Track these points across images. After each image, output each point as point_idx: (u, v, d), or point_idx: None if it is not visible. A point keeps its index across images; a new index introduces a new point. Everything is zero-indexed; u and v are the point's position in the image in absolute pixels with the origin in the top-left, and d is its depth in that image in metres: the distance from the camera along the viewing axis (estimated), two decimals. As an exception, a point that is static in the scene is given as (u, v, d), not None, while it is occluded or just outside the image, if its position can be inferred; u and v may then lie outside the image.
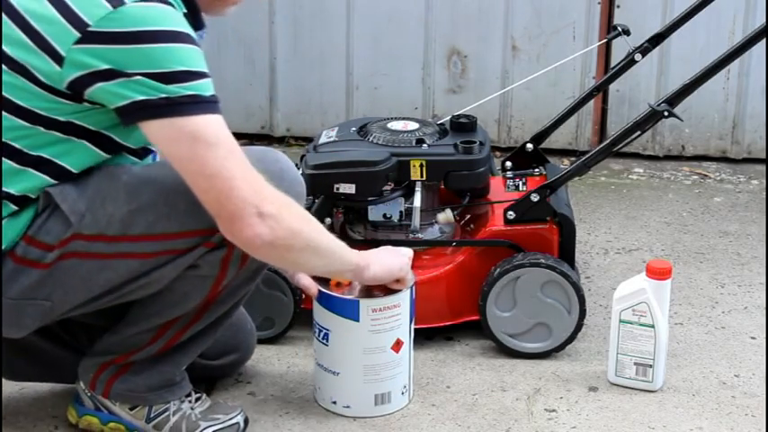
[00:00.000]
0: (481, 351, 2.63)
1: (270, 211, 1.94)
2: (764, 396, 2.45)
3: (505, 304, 2.57)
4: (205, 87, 1.91)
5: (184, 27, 1.93)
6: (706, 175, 3.87)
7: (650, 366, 2.44)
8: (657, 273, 2.39)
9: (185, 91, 1.88)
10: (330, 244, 2.10)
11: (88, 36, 1.87)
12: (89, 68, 1.88)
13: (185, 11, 2.01)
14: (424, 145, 2.62)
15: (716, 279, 3.05)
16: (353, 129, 2.71)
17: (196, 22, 2.05)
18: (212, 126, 1.91)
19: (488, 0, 3.89)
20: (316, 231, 2.06)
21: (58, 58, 1.89)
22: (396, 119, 2.74)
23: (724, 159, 3.97)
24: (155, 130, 1.91)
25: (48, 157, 1.98)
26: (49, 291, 2.02)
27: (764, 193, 3.68)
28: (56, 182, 2.00)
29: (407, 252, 2.32)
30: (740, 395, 2.46)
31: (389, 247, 2.32)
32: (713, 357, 2.63)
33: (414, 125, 2.69)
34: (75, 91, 1.91)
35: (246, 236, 1.95)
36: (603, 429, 2.33)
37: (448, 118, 2.76)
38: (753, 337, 2.73)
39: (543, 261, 2.53)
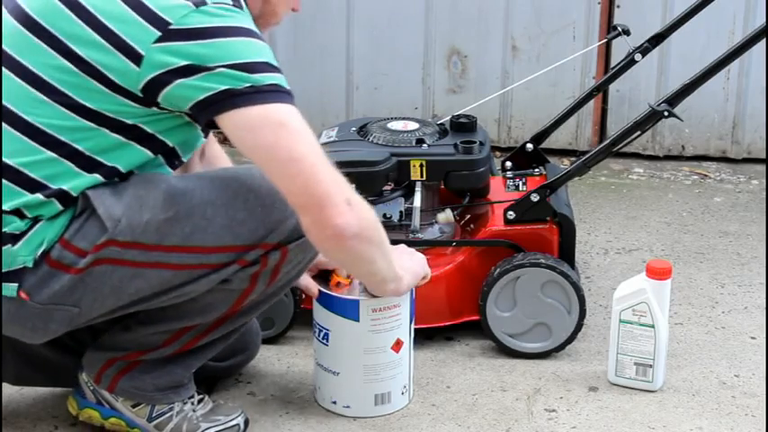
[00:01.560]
0: (481, 351, 2.64)
1: (356, 200, 1.95)
2: (764, 396, 2.45)
3: (505, 304, 2.57)
4: (284, 80, 1.93)
5: (258, 30, 1.96)
6: (706, 175, 3.87)
7: (650, 366, 2.44)
8: (657, 273, 2.39)
9: (269, 80, 1.90)
10: (387, 241, 2.10)
11: (169, 34, 1.87)
12: (168, 66, 1.88)
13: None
14: (424, 145, 2.62)
15: (716, 279, 3.05)
16: (353, 129, 2.71)
17: None
18: (296, 114, 1.93)
19: (488, 0, 3.89)
20: (381, 227, 2.06)
21: (136, 58, 1.89)
22: (396, 119, 2.74)
23: (724, 159, 3.98)
24: (238, 120, 1.91)
25: (105, 162, 1.98)
26: (78, 297, 2.00)
27: (764, 193, 3.69)
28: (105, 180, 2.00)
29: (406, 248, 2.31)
30: (740, 395, 2.46)
31: (400, 248, 2.29)
32: (713, 357, 2.63)
33: (414, 125, 2.70)
34: (151, 92, 1.91)
35: (337, 223, 1.93)
36: (603, 429, 2.33)
37: (448, 118, 2.76)
38: (753, 337, 2.73)
39: (543, 261, 2.53)
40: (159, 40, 1.87)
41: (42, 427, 2.33)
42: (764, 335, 2.73)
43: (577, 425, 2.35)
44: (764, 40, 2.52)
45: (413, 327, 2.37)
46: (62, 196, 1.98)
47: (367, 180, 2.56)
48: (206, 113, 1.92)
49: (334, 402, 2.36)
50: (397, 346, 2.32)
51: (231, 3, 1.94)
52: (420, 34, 3.95)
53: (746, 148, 3.96)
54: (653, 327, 2.41)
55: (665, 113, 2.51)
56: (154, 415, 2.23)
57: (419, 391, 2.46)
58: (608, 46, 3.78)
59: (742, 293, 2.97)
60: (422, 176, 2.60)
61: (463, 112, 2.80)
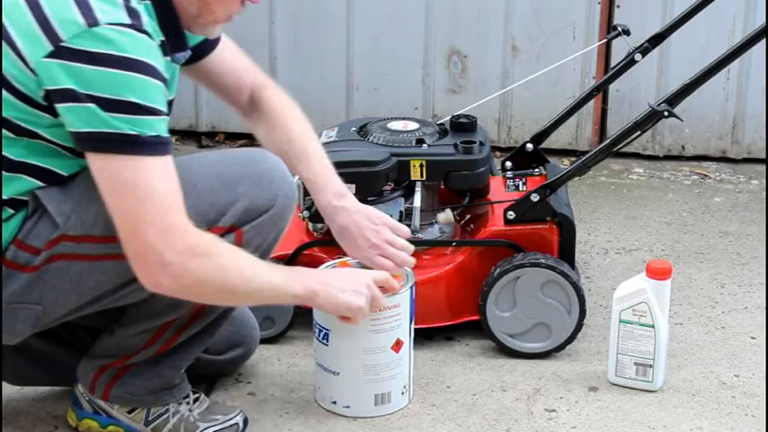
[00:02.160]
0: (481, 351, 2.63)
1: (174, 260, 1.91)
2: (764, 396, 2.45)
3: (505, 304, 2.57)
4: (149, 126, 1.88)
5: (153, 59, 1.90)
6: (706, 175, 3.87)
7: (650, 366, 2.44)
8: (657, 273, 2.39)
9: (126, 127, 1.86)
10: (255, 283, 2.01)
11: (59, 51, 1.85)
12: (55, 84, 1.86)
13: (162, 38, 1.98)
14: (424, 145, 2.62)
15: (716, 279, 3.05)
16: (353, 129, 2.71)
17: (178, 44, 2.03)
18: (137, 168, 1.89)
19: (488, 0, 3.89)
20: (234, 276, 1.98)
21: (32, 70, 1.87)
22: (396, 119, 2.74)
23: (724, 159, 3.97)
24: (91, 162, 1.91)
25: (37, 163, 1.98)
26: (39, 294, 2.01)
27: (764, 193, 3.69)
28: (46, 185, 2.00)
29: (375, 278, 2.21)
30: (740, 395, 2.46)
31: (356, 277, 2.21)
32: (713, 357, 2.63)
33: (414, 125, 2.70)
34: (51, 102, 1.89)
35: (148, 282, 1.94)
36: (603, 429, 2.33)
37: (448, 118, 2.76)
38: (753, 337, 2.73)
39: (543, 261, 2.53)
40: (50, 55, 1.85)
41: (42, 427, 2.33)
42: (764, 335, 2.73)
43: (577, 425, 2.35)
44: (764, 40, 2.52)
45: (413, 327, 2.37)
46: (9, 202, 1.98)
47: (367, 180, 2.56)
48: (78, 147, 1.91)
49: (334, 402, 2.36)
50: (397, 346, 2.32)
51: (129, 22, 1.87)
52: (420, 34, 3.95)
53: (746, 148, 3.96)
54: (653, 327, 2.41)
55: (665, 113, 2.51)
56: (150, 418, 2.23)
57: (419, 391, 2.46)
58: (608, 46, 3.77)
59: (742, 293, 2.97)
60: (422, 176, 2.60)
61: (463, 112, 2.80)
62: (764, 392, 2.47)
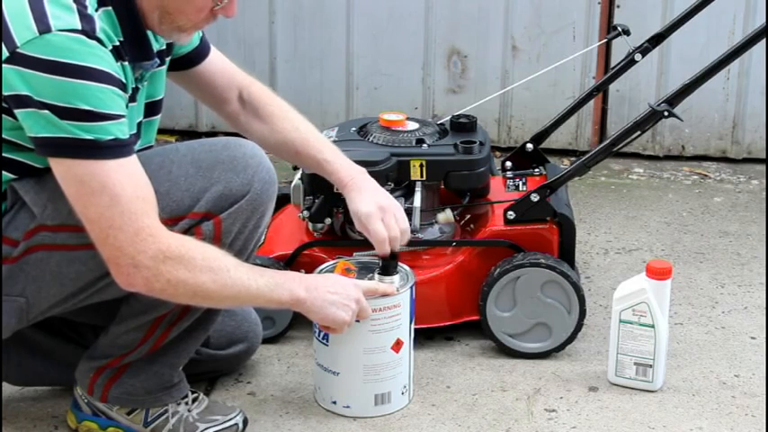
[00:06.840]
0: (481, 351, 2.64)
1: (146, 264, 1.92)
2: (764, 396, 2.45)
3: (505, 304, 2.57)
4: (105, 131, 1.89)
5: (104, 65, 1.90)
6: (706, 175, 3.87)
7: (650, 366, 2.44)
8: (657, 273, 2.39)
9: (82, 133, 1.87)
10: (232, 288, 2.01)
11: (15, 56, 1.86)
12: (11, 90, 1.87)
13: (117, 43, 1.97)
14: (424, 145, 2.62)
15: (716, 279, 3.05)
16: (353, 129, 2.71)
17: (143, 52, 2.03)
18: (100, 173, 1.89)
19: (488, 0, 3.89)
20: (207, 281, 1.98)
21: None
22: (396, 119, 2.74)
23: (724, 159, 3.98)
24: (54, 168, 1.92)
25: (11, 157, 1.98)
26: (21, 286, 2.02)
27: (764, 193, 3.69)
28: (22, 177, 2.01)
29: (364, 289, 2.23)
30: (740, 395, 2.46)
31: (346, 288, 2.21)
32: (713, 357, 2.63)
33: (414, 125, 2.70)
34: (9, 106, 1.90)
35: (121, 282, 1.96)
36: (603, 429, 2.33)
37: (448, 118, 2.76)
38: (753, 337, 2.73)
39: (543, 261, 2.53)
40: (8, 60, 1.86)
41: (42, 428, 2.33)
42: (764, 335, 2.73)
43: (577, 425, 2.35)
44: (764, 40, 2.52)
45: (413, 327, 2.37)
46: None
47: (367, 180, 2.56)
48: (37, 152, 1.93)
49: (334, 402, 2.36)
50: (397, 346, 2.32)
51: (80, 28, 1.87)
52: (420, 34, 3.95)
53: (746, 148, 3.96)
54: (653, 327, 2.41)
55: (665, 113, 2.51)
56: (149, 419, 2.23)
57: (419, 391, 2.46)
58: (608, 46, 3.78)
59: (742, 293, 2.97)
60: (422, 176, 2.60)
61: (463, 112, 2.80)
62: (764, 392, 2.47)
